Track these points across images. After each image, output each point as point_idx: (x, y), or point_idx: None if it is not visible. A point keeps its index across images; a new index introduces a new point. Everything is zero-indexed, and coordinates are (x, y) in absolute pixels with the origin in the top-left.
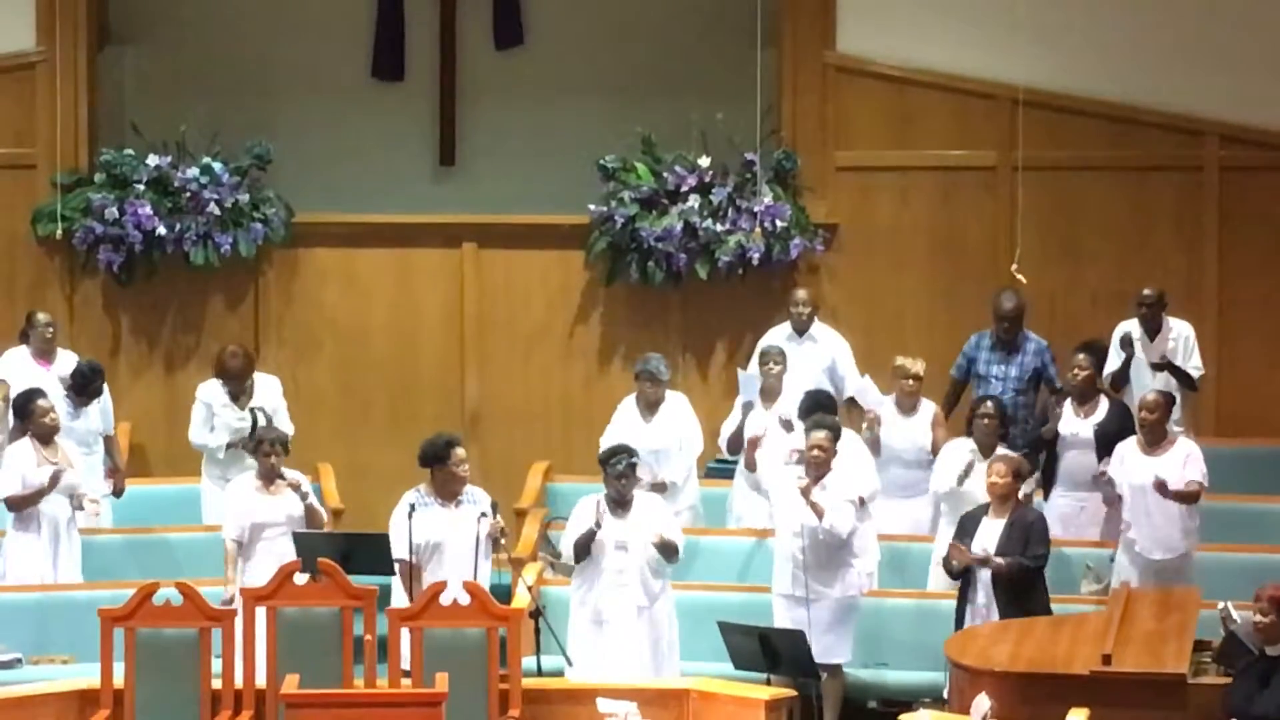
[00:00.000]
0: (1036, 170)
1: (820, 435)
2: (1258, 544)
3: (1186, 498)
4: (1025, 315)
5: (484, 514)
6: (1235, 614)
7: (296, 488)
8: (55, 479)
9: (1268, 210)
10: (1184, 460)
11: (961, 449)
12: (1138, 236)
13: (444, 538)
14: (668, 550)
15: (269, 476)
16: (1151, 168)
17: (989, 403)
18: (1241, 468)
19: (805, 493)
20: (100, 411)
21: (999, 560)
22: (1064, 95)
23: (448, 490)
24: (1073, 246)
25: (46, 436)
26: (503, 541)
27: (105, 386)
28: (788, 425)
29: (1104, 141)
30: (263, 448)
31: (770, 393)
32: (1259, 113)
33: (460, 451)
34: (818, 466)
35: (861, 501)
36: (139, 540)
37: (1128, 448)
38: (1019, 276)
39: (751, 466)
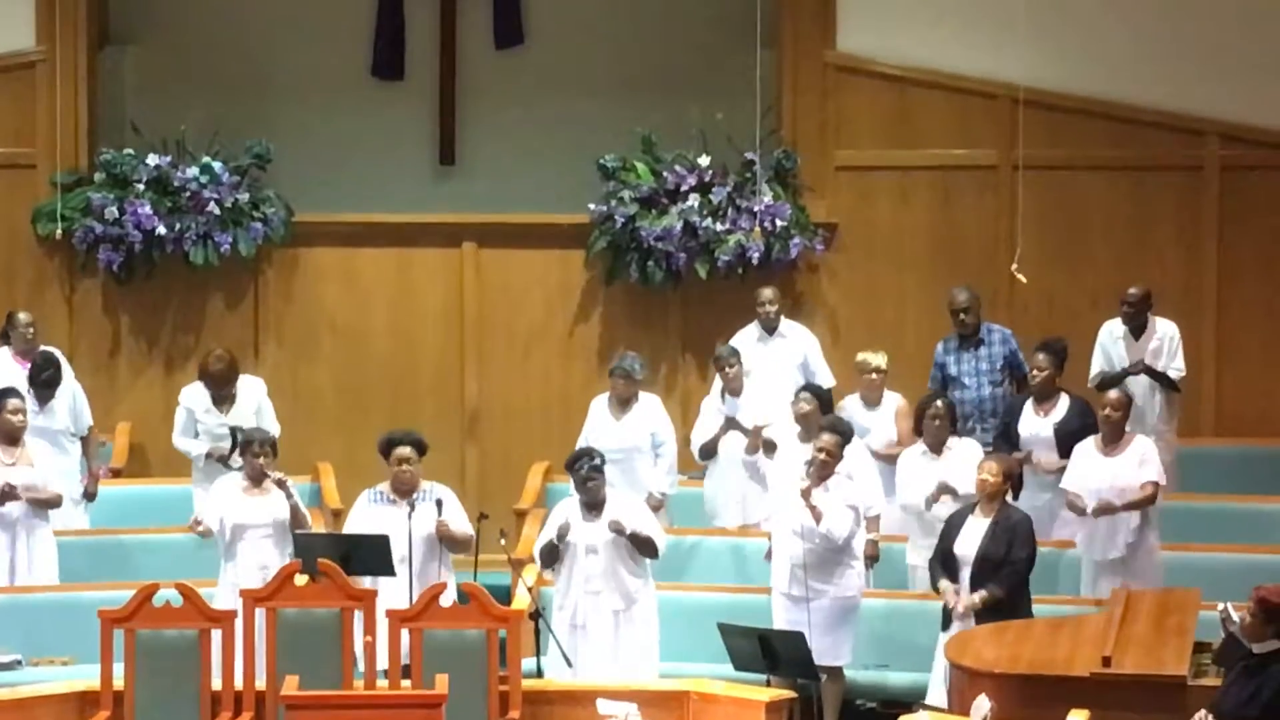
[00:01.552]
0: (1036, 170)
1: (829, 439)
2: (1258, 544)
3: (1140, 504)
4: (981, 308)
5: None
6: (1235, 615)
7: (283, 485)
8: (8, 497)
9: (1268, 210)
10: (1139, 461)
11: (914, 454)
12: (1138, 236)
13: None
14: (643, 545)
15: (256, 478)
16: (1151, 168)
17: (938, 402)
18: (1241, 468)
19: (805, 495)
20: (69, 411)
21: (976, 600)
22: (1064, 95)
23: (396, 488)
24: (1073, 246)
25: (12, 436)
26: (455, 534)
27: (77, 387)
28: (735, 424)
29: (1104, 141)
30: (251, 448)
31: (733, 394)
32: (1259, 113)
33: (402, 451)
34: (822, 468)
35: (873, 520)
36: (139, 540)
37: (1084, 449)
38: (1019, 276)
39: (756, 450)
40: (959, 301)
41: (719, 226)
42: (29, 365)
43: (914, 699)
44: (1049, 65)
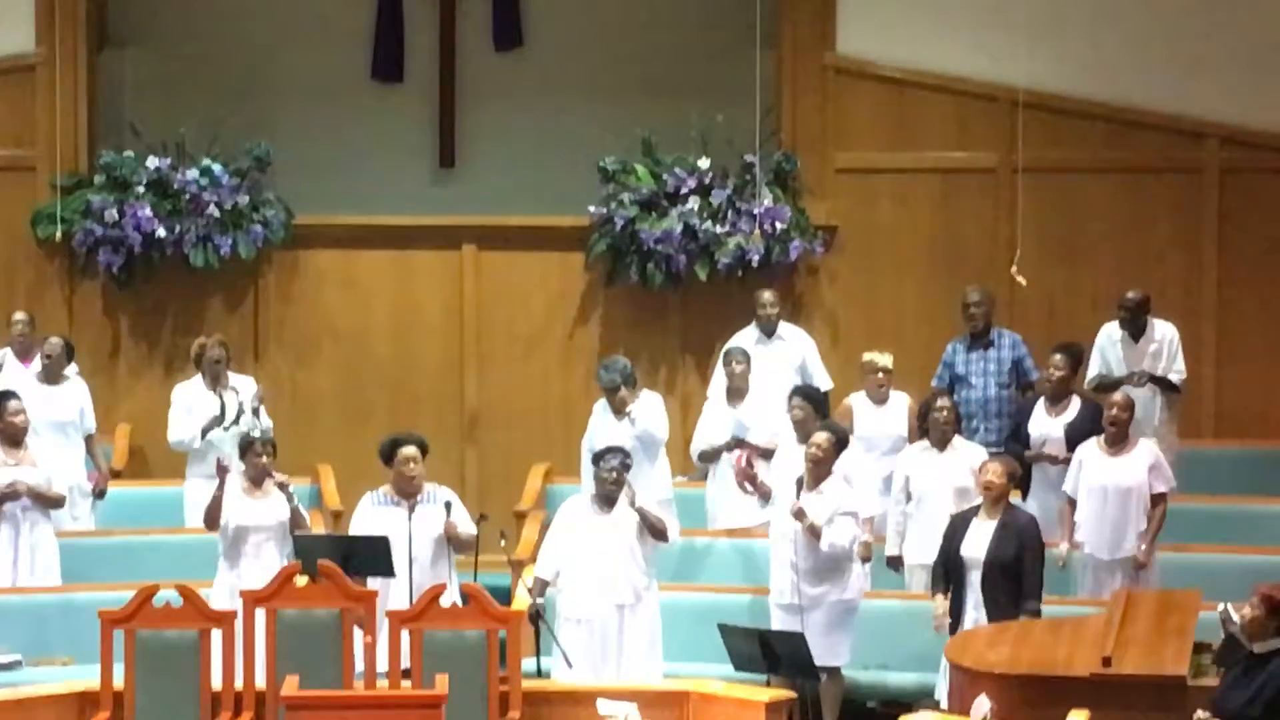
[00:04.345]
0: (1036, 172)
1: (821, 437)
2: (1258, 544)
3: (1158, 522)
4: (993, 311)
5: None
6: (1235, 615)
7: (284, 488)
8: (11, 494)
9: (1268, 211)
10: (1146, 463)
11: (915, 451)
12: (1138, 238)
13: (392, 537)
14: (655, 531)
15: (258, 478)
16: (1151, 169)
17: (942, 398)
18: (1241, 468)
19: (799, 517)
20: (77, 407)
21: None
22: (1064, 96)
23: (402, 490)
24: (1073, 248)
25: (14, 438)
26: (461, 536)
27: (84, 386)
28: (742, 443)
29: (1104, 143)
30: (254, 448)
31: (737, 393)
32: (1259, 113)
33: (407, 451)
34: (815, 466)
35: (867, 521)
36: (138, 541)
37: (1088, 449)
38: (1019, 278)
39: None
40: (970, 298)
41: (719, 229)
42: (29, 364)
43: (913, 699)
44: (1049, 68)
